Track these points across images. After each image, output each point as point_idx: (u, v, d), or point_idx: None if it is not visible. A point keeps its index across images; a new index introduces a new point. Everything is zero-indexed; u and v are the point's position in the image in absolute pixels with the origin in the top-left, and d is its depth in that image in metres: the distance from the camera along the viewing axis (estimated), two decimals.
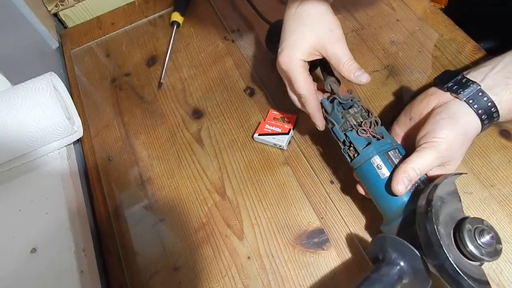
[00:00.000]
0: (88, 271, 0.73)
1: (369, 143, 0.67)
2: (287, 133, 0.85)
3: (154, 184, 0.87)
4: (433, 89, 0.70)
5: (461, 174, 0.63)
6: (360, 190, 0.71)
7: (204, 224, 0.80)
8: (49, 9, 1.18)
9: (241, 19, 1.12)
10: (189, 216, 0.82)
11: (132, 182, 0.88)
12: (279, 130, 0.86)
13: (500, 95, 0.63)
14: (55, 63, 1.12)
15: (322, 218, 0.77)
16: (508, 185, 0.73)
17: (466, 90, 0.64)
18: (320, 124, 0.76)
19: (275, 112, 0.90)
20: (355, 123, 0.69)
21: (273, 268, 0.74)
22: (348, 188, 0.79)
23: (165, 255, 0.78)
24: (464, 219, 0.57)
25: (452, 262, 0.52)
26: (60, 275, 0.71)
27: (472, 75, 0.66)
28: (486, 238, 0.55)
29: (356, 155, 0.67)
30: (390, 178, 0.63)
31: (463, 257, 0.55)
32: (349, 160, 0.69)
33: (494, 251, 0.55)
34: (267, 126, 0.87)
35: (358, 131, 0.68)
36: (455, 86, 0.66)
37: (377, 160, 0.65)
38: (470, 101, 0.63)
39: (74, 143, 0.93)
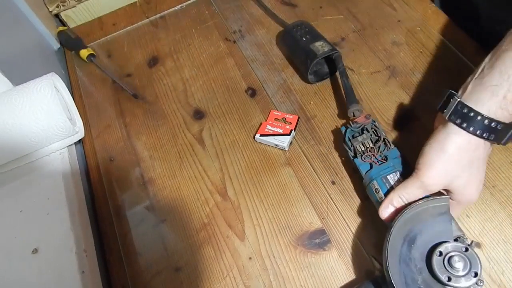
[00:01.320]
0: (90, 272, 0.73)
1: (371, 167, 0.72)
2: (289, 134, 0.85)
3: (155, 184, 0.87)
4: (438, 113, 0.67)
5: (443, 198, 0.63)
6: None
7: (206, 224, 0.80)
8: (50, 10, 1.18)
9: (243, 20, 1.12)
10: (191, 217, 0.82)
11: (133, 182, 0.88)
12: (281, 131, 0.86)
13: (482, 99, 0.60)
14: (57, 64, 1.12)
15: (323, 218, 0.77)
16: (510, 186, 0.73)
17: (447, 107, 0.62)
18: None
19: (277, 113, 0.90)
20: (362, 149, 0.75)
21: (275, 268, 0.74)
22: (349, 189, 0.79)
23: (167, 255, 0.78)
24: (441, 243, 0.58)
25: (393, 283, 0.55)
26: (61, 276, 0.71)
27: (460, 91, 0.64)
28: (457, 265, 0.56)
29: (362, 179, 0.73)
30: None
31: (436, 281, 0.57)
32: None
33: (466, 280, 0.56)
34: (268, 126, 0.87)
35: (363, 157, 0.73)
36: (442, 106, 0.64)
37: (375, 184, 0.69)
38: (452, 118, 0.61)
39: (75, 143, 0.93)
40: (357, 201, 0.77)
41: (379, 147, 0.73)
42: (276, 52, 1.02)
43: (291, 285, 0.72)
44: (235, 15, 1.13)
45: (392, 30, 0.99)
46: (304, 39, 0.92)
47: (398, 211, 0.64)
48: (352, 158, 0.76)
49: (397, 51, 0.95)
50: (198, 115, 0.95)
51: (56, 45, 1.17)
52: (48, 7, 1.17)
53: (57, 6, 1.18)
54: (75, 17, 1.24)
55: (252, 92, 0.96)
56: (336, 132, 0.86)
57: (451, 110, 0.61)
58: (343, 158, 0.83)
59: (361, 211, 0.76)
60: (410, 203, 0.64)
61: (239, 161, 0.86)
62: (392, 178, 0.69)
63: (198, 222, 0.81)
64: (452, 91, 0.64)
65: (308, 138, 0.86)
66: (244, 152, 0.87)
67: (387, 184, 0.68)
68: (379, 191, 0.68)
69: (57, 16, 1.23)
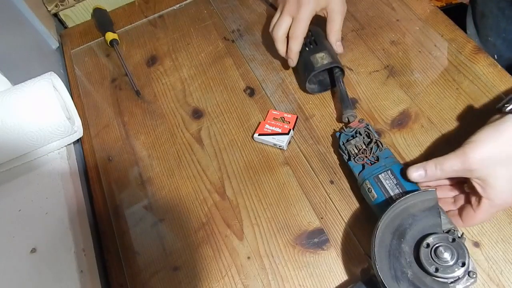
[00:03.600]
0: (88, 271, 0.73)
1: (364, 168, 0.73)
2: (287, 133, 0.85)
3: (154, 184, 0.87)
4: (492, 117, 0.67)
5: (430, 191, 0.63)
6: None
7: (204, 224, 0.80)
8: (49, 9, 1.18)
9: (241, 19, 1.12)
10: (189, 216, 0.82)
11: (132, 182, 0.88)
12: (279, 130, 0.86)
13: None
14: (55, 63, 1.12)
15: (322, 218, 0.77)
16: None
17: (510, 103, 0.63)
18: (294, 61, 0.91)
19: (275, 112, 0.90)
20: (355, 152, 0.76)
21: (273, 268, 0.74)
22: (348, 188, 0.79)
23: (165, 255, 0.78)
24: (428, 235, 0.59)
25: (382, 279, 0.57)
26: (59, 275, 0.71)
27: None
28: (444, 255, 0.56)
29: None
30: (379, 199, 0.69)
31: (425, 274, 0.57)
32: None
33: (453, 270, 0.56)
34: (267, 126, 0.87)
35: (355, 159, 0.75)
36: (505, 105, 0.64)
37: (367, 184, 0.71)
38: None
39: (74, 143, 0.93)
40: (355, 200, 0.77)
41: (371, 149, 0.75)
42: (275, 52, 1.01)
43: (290, 284, 0.72)
44: (233, 14, 1.13)
45: (391, 29, 0.99)
46: (307, 48, 0.90)
47: (428, 178, 0.65)
48: (346, 161, 0.77)
49: (395, 51, 0.95)
50: (197, 114, 0.95)
51: (55, 44, 1.17)
52: (47, 6, 1.17)
53: (56, 6, 1.18)
54: (73, 16, 1.24)
55: (251, 92, 0.96)
56: (337, 130, 0.86)
57: None
58: (339, 161, 0.83)
59: (360, 211, 0.76)
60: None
61: (238, 161, 0.86)
62: (384, 177, 0.69)
63: (196, 222, 0.81)
64: None
65: (306, 138, 0.86)
66: (242, 152, 0.87)
67: (379, 184, 0.69)
68: (371, 191, 0.69)
69: (55, 15, 1.23)
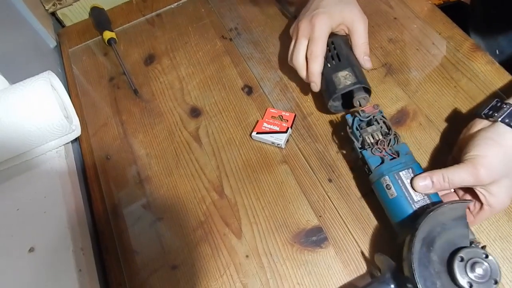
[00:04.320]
0: (86, 270, 0.73)
1: (382, 162, 0.69)
2: (285, 132, 0.85)
3: (152, 182, 0.87)
4: (474, 120, 0.70)
5: (468, 201, 0.63)
6: None
7: (202, 222, 0.80)
8: (46, 8, 1.18)
9: (239, 18, 1.11)
10: (187, 215, 0.82)
11: (130, 180, 0.88)
12: (277, 129, 0.86)
13: None
14: (53, 62, 1.12)
15: (320, 216, 0.77)
16: None
17: (500, 111, 0.65)
18: (318, 84, 0.82)
19: (273, 111, 0.90)
20: (372, 141, 0.71)
21: (271, 266, 0.74)
22: (346, 186, 0.79)
23: (164, 253, 0.78)
24: (461, 248, 0.58)
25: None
26: (58, 274, 0.71)
27: (508, 100, 0.68)
28: (478, 271, 0.56)
29: (370, 173, 0.70)
30: (398, 198, 0.65)
31: (455, 286, 0.56)
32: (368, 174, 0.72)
33: (487, 287, 0.55)
34: (265, 124, 0.87)
35: (373, 149, 0.70)
36: (491, 111, 0.67)
37: (386, 180, 0.67)
38: (506, 120, 0.64)
39: (72, 142, 0.93)
40: (354, 198, 0.77)
41: (389, 141, 0.71)
42: (272, 50, 1.02)
43: (288, 283, 0.72)
44: (231, 13, 1.13)
45: (389, 27, 0.99)
46: (330, 65, 0.82)
47: (435, 190, 0.65)
48: (358, 149, 0.73)
49: (393, 49, 0.95)
50: (195, 113, 0.95)
51: (52, 43, 1.16)
52: (45, 5, 1.17)
53: (54, 4, 1.18)
54: (71, 15, 1.23)
55: (249, 90, 0.96)
56: (335, 127, 0.86)
57: (505, 114, 0.64)
58: (343, 152, 0.82)
59: (358, 209, 0.76)
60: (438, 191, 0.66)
61: (236, 159, 0.86)
62: (405, 175, 0.66)
63: (194, 220, 0.81)
64: (502, 101, 0.67)
65: (304, 136, 0.86)
66: (240, 150, 0.87)
67: (399, 181, 0.66)
68: (391, 188, 0.66)
69: (53, 14, 1.22)
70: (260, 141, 0.87)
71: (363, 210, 0.76)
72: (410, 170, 0.67)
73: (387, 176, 0.67)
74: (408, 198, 0.65)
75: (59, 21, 1.25)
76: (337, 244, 0.74)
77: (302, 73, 0.84)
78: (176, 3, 1.19)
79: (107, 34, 1.12)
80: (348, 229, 0.75)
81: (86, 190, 0.90)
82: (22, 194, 0.81)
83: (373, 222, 0.74)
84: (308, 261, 0.73)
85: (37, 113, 0.81)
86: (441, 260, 0.58)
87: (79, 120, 0.95)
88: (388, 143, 0.71)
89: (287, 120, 0.88)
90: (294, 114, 0.89)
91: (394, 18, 1.00)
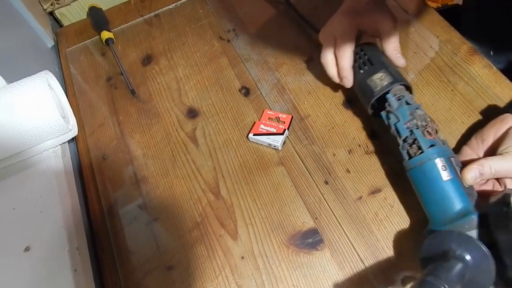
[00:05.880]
0: (82, 270, 0.73)
1: (432, 145, 0.67)
2: (282, 134, 0.85)
3: (148, 183, 0.87)
4: (505, 115, 0.71)
5: None
6: None
7: (198, 223, 0.80)
8: (44, 8, 1.18)
9: (237, 19, 1.12)
10: (183, 216, 0.82)
11: (126, 181, 0.88)
12: (274, 130, 0.86)
13: None
14: (51, 62, 1.12)
15: (316, 218, 0.77)
16: None
17: None
18: (350, 80, 0.82)
19: (270, 112, 0.90)
20: (422, 124, 0.69)
21: (267, 268, 0.74)
22: (342, 188, 0.79)
23: (159, 254, 0.78)
24: None
25: None
26: (53, 274, 0.71)
27: None
28: None
29: (418, 153, 0.67)
30: (453, 180, 0.64)
31: None
32: (407, 158, 0.69)
33: None
34: (262, 126, 0.87)
35: (424, 131, 0.68)
36: None
37: (442, 161, 0.65)
38: None
39: (68, 141, 0.93)
40: (350, 200, 0.77)
41: (436, 130, 0.70)
42: (270, 52, 1.02)
43: (284, 284, 0.72)
44: (229, 14, 1.13)
45: None
46: (362, 71, 0.80)
47: (481, 179, 0.65)
48: (403, 127, 0.70)
49: None
50: (192, 113, 0.95)
51: (50, 42, 1.16)
52: (42, 5, 1.17)
53: (51, 4, 1.18)
54: (69, 15, 1.23)
55: (246, 91, 0.96)
56: (331, 130, 0.86)
57: None
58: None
59: (354, 211, 0.76)
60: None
61: (232, 160, 0.86)
62: (455, 161, 0.66)
63: (190, 221, 0.81)
64: None
65: (301, 138, 0.86)
66: (237, 151, 0.87)
67: (452, 166, 0.65)
68: (446, 169, 0.64)
69: (51, 14, 1.22)
70: (256, 143, 0.87)
71: (359, 213, 0.76)
72: (456, 158, 0.67)
73: (442, 158, 0.65)
74: (460, 181, 0.64)
75: (57, 21, 1.25)
76: (332, 246, 0.74)
77: (330, 70, 0.85)
78: (174, 4, 1.19)
79: (105, 34, 1.12)
80: (344, 231, 0.75)
81: (82, 190, 0.90)
82: (18, 193, 0.81)
83: (369, 224, 0.74)
84: (303, 263, 0.73)
85: (34, 112, 0.81)
86: None
87: (76, 120, 0.95)
88: (435, 131, 0.69)
89: (284, 122, 0.88)
90: (291, 116, 0.89)
91: None
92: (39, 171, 0.85)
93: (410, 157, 0.68)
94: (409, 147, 0.69)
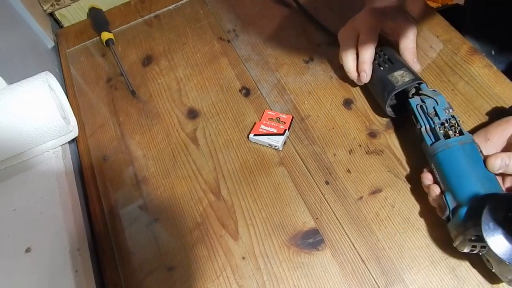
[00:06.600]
0: (83, 271, 0.73)
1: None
2: (282, 134, 0.85)
3: (149, 184, 0.87)
4: (509, 118, 0.72)
5: None
6: (427, 178, 0.72)
7: (199, 224, 0.80)
8: (44, 9, 1.18)
9: (237, 20, 1.12)
10: (184, 216, 0.82)
11: (127, 181, 0.88)
12: (275, 131, 0.86)
13: None
14: (51, 63, 1.12)
15: (317, 218, 0.77)
16: None
17: None
18: (368, 74, 0.84)
19: (271, 113, 0.90)
20: (452, 114, 0.72)
21: (268, 268, 0.74)
22: (343, 189, 0.79)
23: (160, 254, 0.78)
24: None
25: None
26: (54, 275, 0.71)
27: None
28: None
29: (457, 134, 0.70)
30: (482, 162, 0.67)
31: None
32: (443, 138, 0.70)
33: None
34: (262, 126, 0.87)
35: (458, 120, 0.71)
36: None
37: (476, 145, 0.69)
38: None
39: (69, 142, 0.93)
40: (350, 201, 0.77)
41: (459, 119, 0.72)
42: (270, 52, 1.02)
43: (285, 284, 0.72)
44: (229, 14, 1.13)
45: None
46: (382, 68, 0.83)
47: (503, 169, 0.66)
48: (443, 111, 0.73)
49: None
50: (192, 114, 0.95)
51: (50, 43, 1.17)
52: (43, 5, 1.17)
53: (52, 5, 1.18)
54: (69, 16, 1.24)
55: (246, 92, 0.96)
56: (332, 130, 0.86)
57: None
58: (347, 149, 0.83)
59: (355, 211, 0.76)
60: None
61: (233, 161, 0.86)
62: (478, 149, 0.69)
63: (191, 222, 0.81)
64: None
65: (302, 138, 0.86)
66: (238, 152, 0.87)
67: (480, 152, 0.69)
68: (481, 151, 0.69)
69: (51, 14, 1.22)
70: (257, 143, 0.87)
71: (359, 213, 0.76)
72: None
73: (474, 144, 0.69)
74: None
75: (57, 22, 1.25)
76: (333, 247, 0.74)
77: (349, 63, 0.86)
78: (174, 5, 1.19)
79: (105, 35, 1.12)
80: (345, 231, 0.75)
81: (83, 191, 0.90)
82: (19, 194, 0.81)
83: (370, 224, 0.74)
84: (304, 263, 0.73)
85: (35, 113, 0.81)
86: None
87: (77, 121, 0.95)
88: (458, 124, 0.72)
89: (285, 122, 0.88)
90: (291, 116, 0.89)
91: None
92: (39, 172, 0.85)
93: (446, 138, 0.70)
94: (448, 129, 0.71)
